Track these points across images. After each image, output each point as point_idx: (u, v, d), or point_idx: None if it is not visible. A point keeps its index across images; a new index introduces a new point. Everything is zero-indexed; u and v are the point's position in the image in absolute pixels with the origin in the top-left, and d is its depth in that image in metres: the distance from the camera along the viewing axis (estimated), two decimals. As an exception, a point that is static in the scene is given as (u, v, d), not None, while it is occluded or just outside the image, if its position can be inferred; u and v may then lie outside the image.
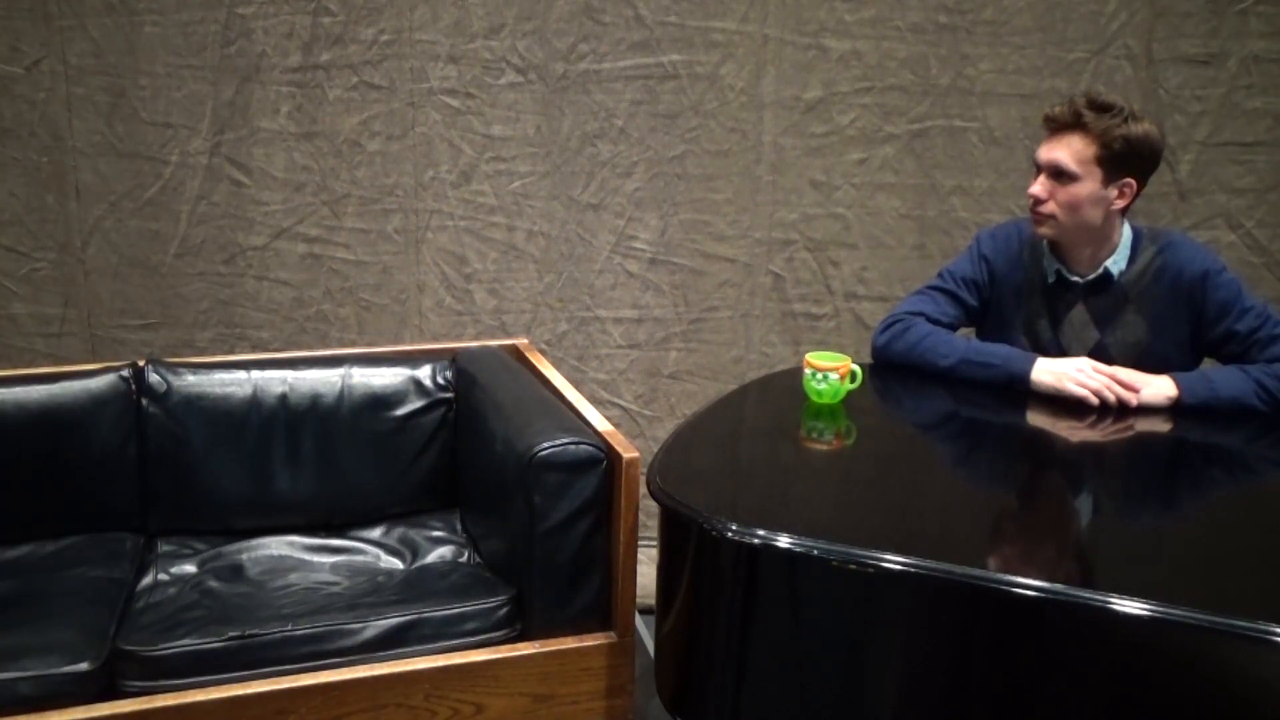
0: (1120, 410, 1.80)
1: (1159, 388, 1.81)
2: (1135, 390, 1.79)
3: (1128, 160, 1.78)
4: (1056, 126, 1.81)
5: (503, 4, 2.57)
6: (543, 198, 2.70)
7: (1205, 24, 2.71)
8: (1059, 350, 1.92)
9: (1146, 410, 1.81)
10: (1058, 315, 1.93)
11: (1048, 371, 1.83)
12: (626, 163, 2.70)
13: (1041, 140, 1.86)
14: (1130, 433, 1.79)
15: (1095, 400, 1.78)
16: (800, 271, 2.82)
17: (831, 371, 1.76)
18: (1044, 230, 1.87)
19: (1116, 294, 1.89)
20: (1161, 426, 1.80)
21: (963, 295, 1.99)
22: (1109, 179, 1.80)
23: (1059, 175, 1.81)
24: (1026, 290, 1.96)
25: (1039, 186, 1.83)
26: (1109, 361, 1.86)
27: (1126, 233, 1.90)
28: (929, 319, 1.96)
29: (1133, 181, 1.81)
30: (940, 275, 2.04)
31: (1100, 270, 1.89)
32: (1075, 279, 1.91)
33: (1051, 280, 1.93)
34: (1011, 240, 2.00)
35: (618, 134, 2.68)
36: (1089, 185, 1.79)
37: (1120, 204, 1.83)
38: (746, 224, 2.78)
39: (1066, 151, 1.79)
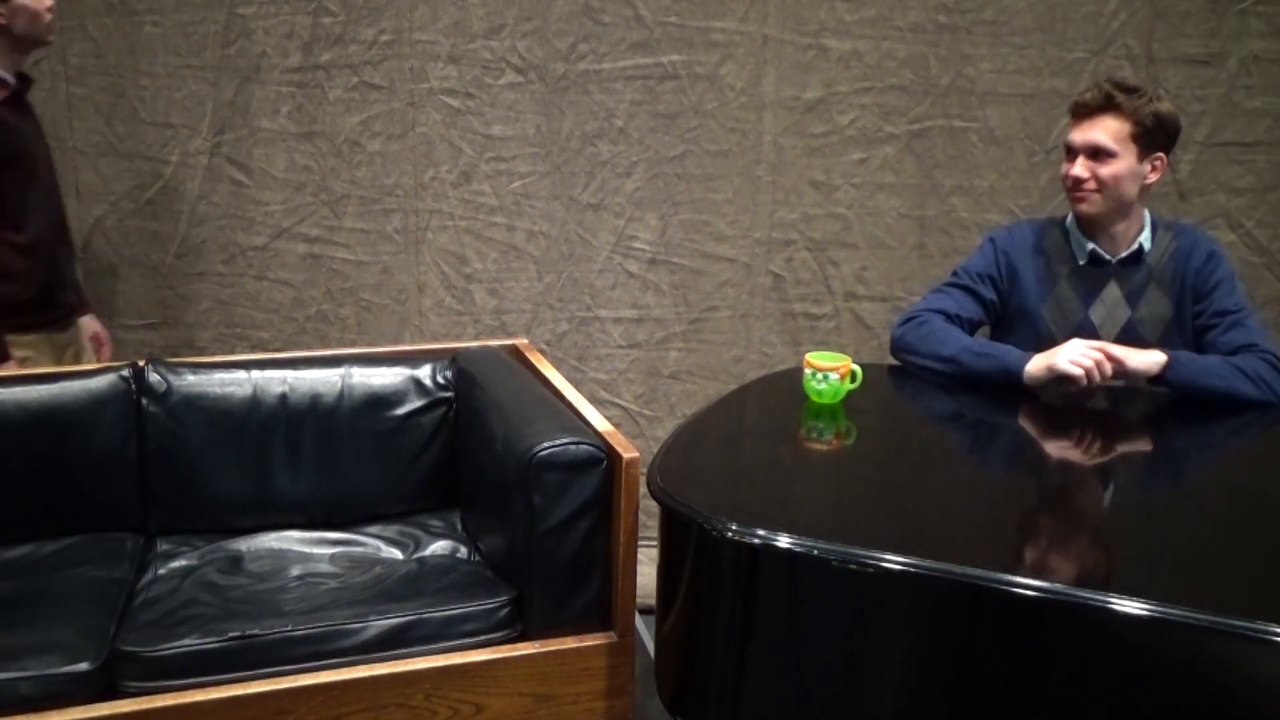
0: (1118, 404, 1.80)
1: (1149, 356, 1.83)
2: (1121, 361, 1.81)
3: (1158, 135, 1.88)
4: (1088, 110, 1.89)
5: (503, 4, 2.57)
6: (543, 198, 2.70)
7: (1205, 24, 2.71)
8: (1091, 328, 1.96)
9: (1145, 412, 1.81)
10: (1089, 295, 1.98)
11: (1038, 358, 1.85)
12: (626, 163, 2.70)
13: (1070, 127, 1.93)
14: (1130, 433, 1.79)
15: (1085, 379, 1.79)
16: (800, 271, 2.82)
17: (831, 371, 1.76)
18: (1086, 207, 1.93)
19: (1144, 272, 1.96)
20: (1162, 427, 1.80)
21: (980, 290, 2.03)
22: (1143, 154, 1.89)
23: (1097, 154, 1.89)
24: (1050, 276, 2.00)
25: (1080, 167, 1.90)
26: (1139, 338, 1.92)
27: (1147, 214, 1.98)
28: (947, 315, 2.00)
29: (1163, 156, 1.90)
30: (955, 273, 2.08)
31: (1134, 247, 1.96)
32: (1109, 258, 1.97)
33: (1084, 261, 1.98)
34: (1026, 232, 2.06)
35: (618, 134, 2.68)
36: (1127, 161, 1.88)
37: (1153, 178, 1.91)
38: (746, 224, 2.78)
39: (1104, 131, 1.87)
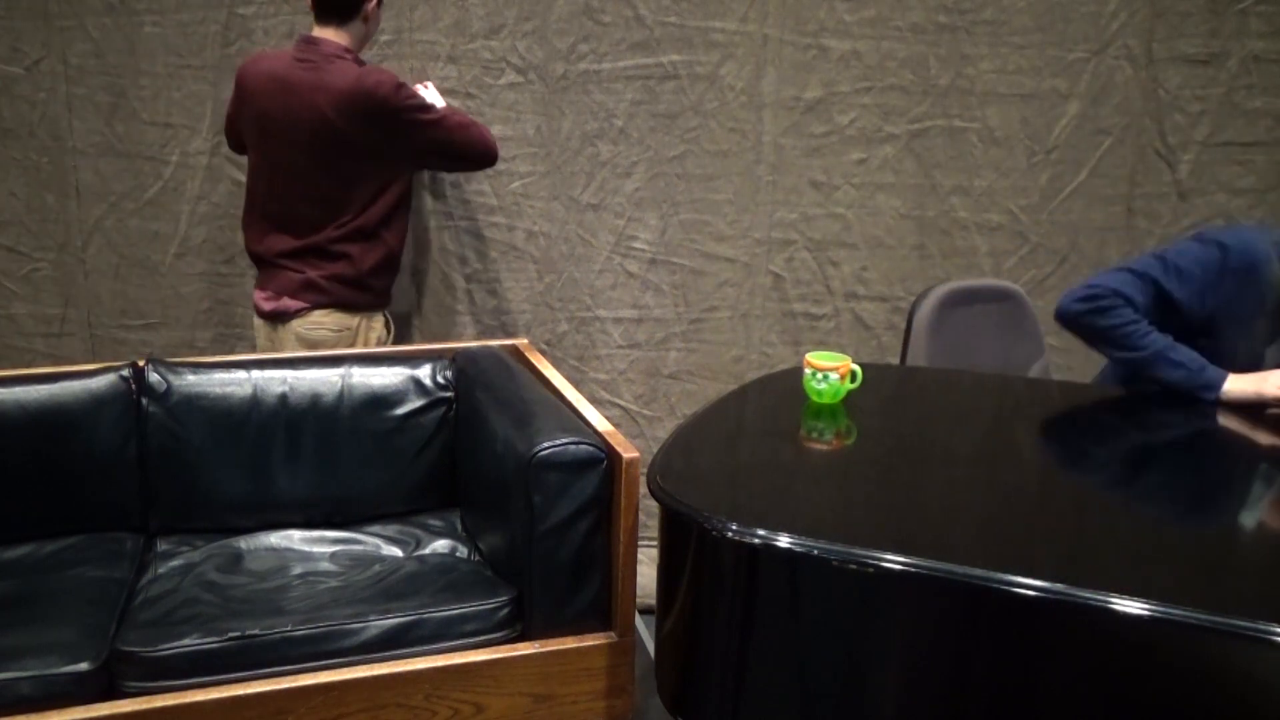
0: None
1: None
2: None
3: None
4: None
5: (503, 4, 2.57)
6: (543, 198, 2.70)
7: (1205, 24, 2.71)
8: (1259, 366, 1.93)
9: (1145, 413, 1.82)
10: (1275, 335, 1.94)
11: (1244, 379, 1.84)
12: (626, 163, 2.70)
13: None
14: (1129, 433, 1.79)
15: None
16: (800, 271, 2.82)
17: (831, 371, 1.76)
18: None
19: None
20: (1161, 428, 1.80)
21: (1174, 292, 1.89)
22: None
23: None
24: (1258, 307, 1.91)
25: None
26: None
27: None
28: (1133, 306, 1.89)
29: None
30: (1161, 259, 1.92)
31: None
32: None
33: None
34: (1256, 253, 1.89)
35: (618, 134, 2.68)
36: None
37: None
38: (746, 224, 2.78)
39: None
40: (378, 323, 2.39)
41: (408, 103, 2.20)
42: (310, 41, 2.24)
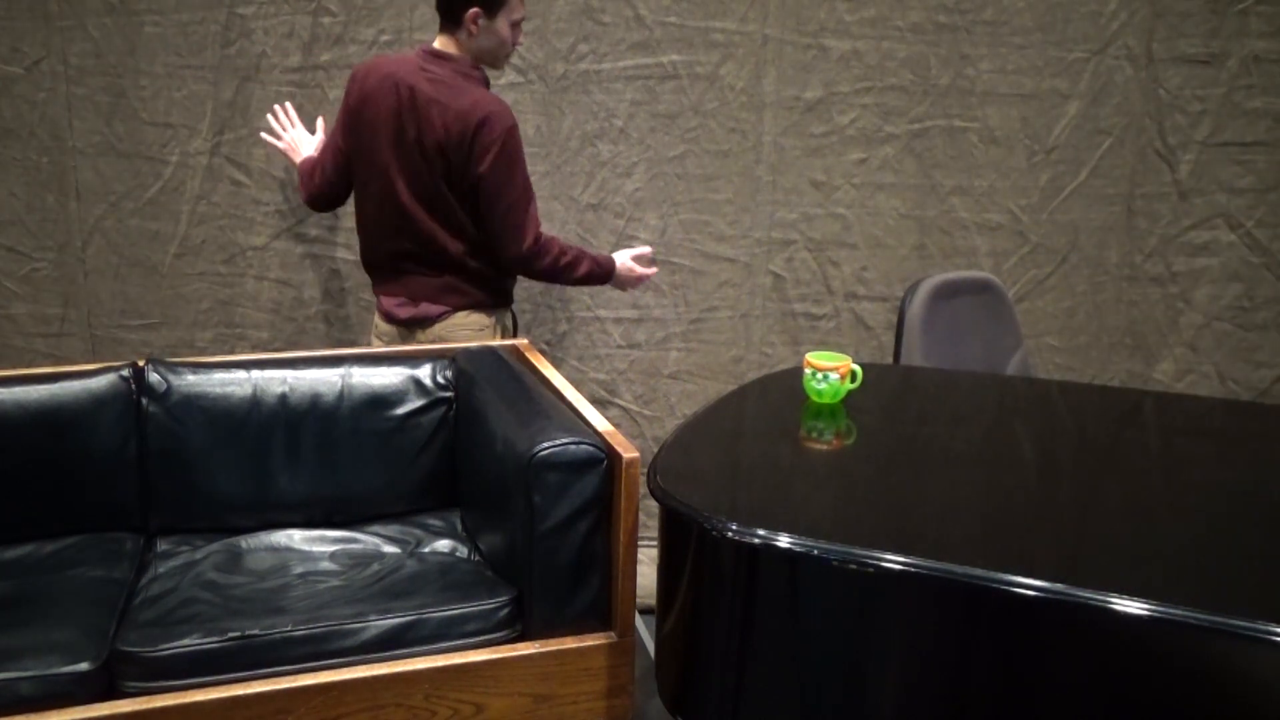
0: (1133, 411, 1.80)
1: None
2: None
3: None
4: None
5: (503, 4, 2.57)
6: (543, 198, 2.70)
7: (1205, 24, 2.71)
8: None
9: (1145, 413, 1.81)
10: None
11: None
12: (626, 163, 2.70)
13: None
14: (1131, 434, 1.79)
15: None
16: (800, 271, 2.82)
17: (831, 371, 1.76)
18: None
19: None
20: (1162, 428, 1.80)
21: None
22: None
23: None
24: None
25: None
26: None
27: None
28: None
29: None
30: None
31: None
32: None
33: None
34: None
35: (618, 134, 2.68)
36: None
37: None
38: (746, 224, 2.78)
39: None
40: (508, 320, 2.43)
41: (505, 145, 2.18)
42: (436, 55, 2.22)
